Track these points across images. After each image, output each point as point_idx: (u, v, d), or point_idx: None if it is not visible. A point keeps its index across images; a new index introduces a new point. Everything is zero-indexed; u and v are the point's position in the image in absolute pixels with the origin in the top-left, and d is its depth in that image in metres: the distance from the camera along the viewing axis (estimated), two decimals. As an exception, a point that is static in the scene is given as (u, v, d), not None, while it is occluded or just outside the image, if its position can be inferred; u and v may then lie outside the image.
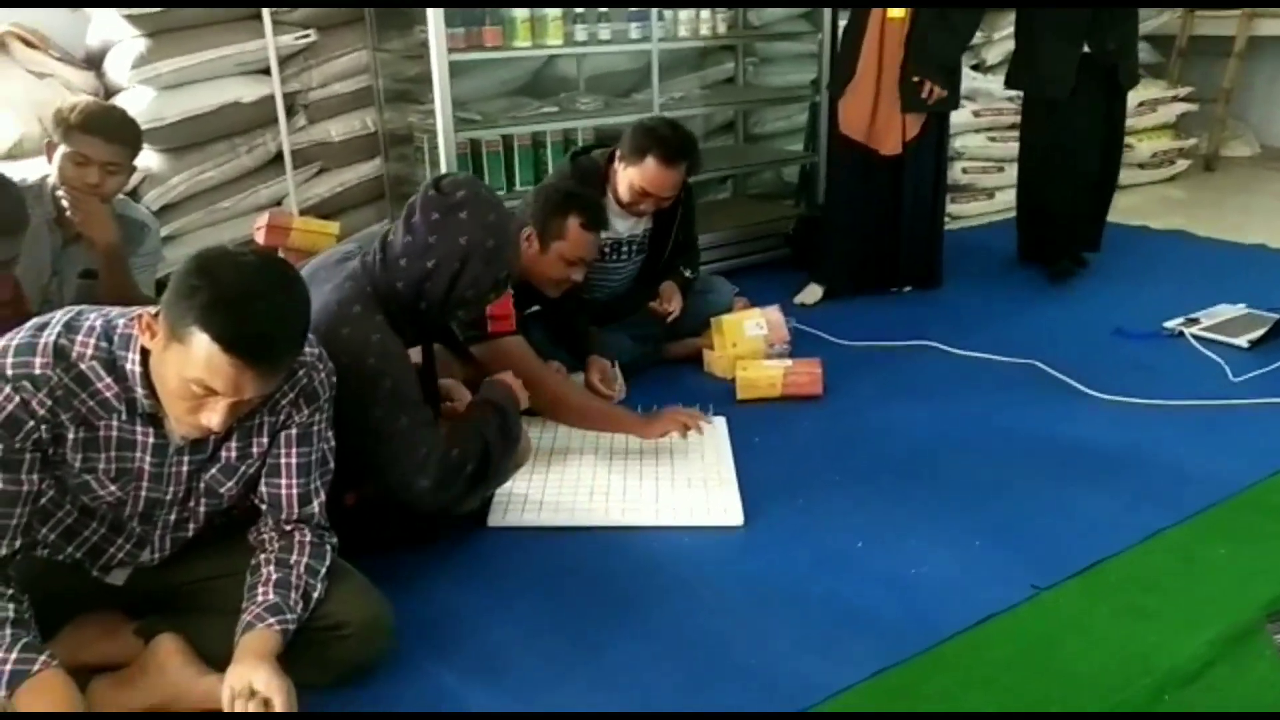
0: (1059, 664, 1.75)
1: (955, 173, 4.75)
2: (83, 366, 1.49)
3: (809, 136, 4.42)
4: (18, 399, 1.44)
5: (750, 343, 3.04)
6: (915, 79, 3.44)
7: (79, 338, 1.49)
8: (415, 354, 2.15)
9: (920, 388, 2.98)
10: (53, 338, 1.48)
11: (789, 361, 2.95)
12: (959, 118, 4.71)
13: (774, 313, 3.12)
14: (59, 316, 1.52)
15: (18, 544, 1.51)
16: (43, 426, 1.47)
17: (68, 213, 2.50)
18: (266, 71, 3.44)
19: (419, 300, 1.97)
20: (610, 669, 1.76)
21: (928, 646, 1.79)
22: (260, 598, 1.59)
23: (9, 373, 1.44)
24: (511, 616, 1.91)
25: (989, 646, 1.80)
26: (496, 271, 1.98)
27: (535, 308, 2.80)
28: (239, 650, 1.53)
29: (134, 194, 3.28)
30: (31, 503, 1.51)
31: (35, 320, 1.52)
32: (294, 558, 1.65)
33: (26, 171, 2.60)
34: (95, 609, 1.74)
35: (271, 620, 1.55)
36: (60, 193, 2.50)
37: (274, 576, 1.62)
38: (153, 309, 1.47)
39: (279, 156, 3.54)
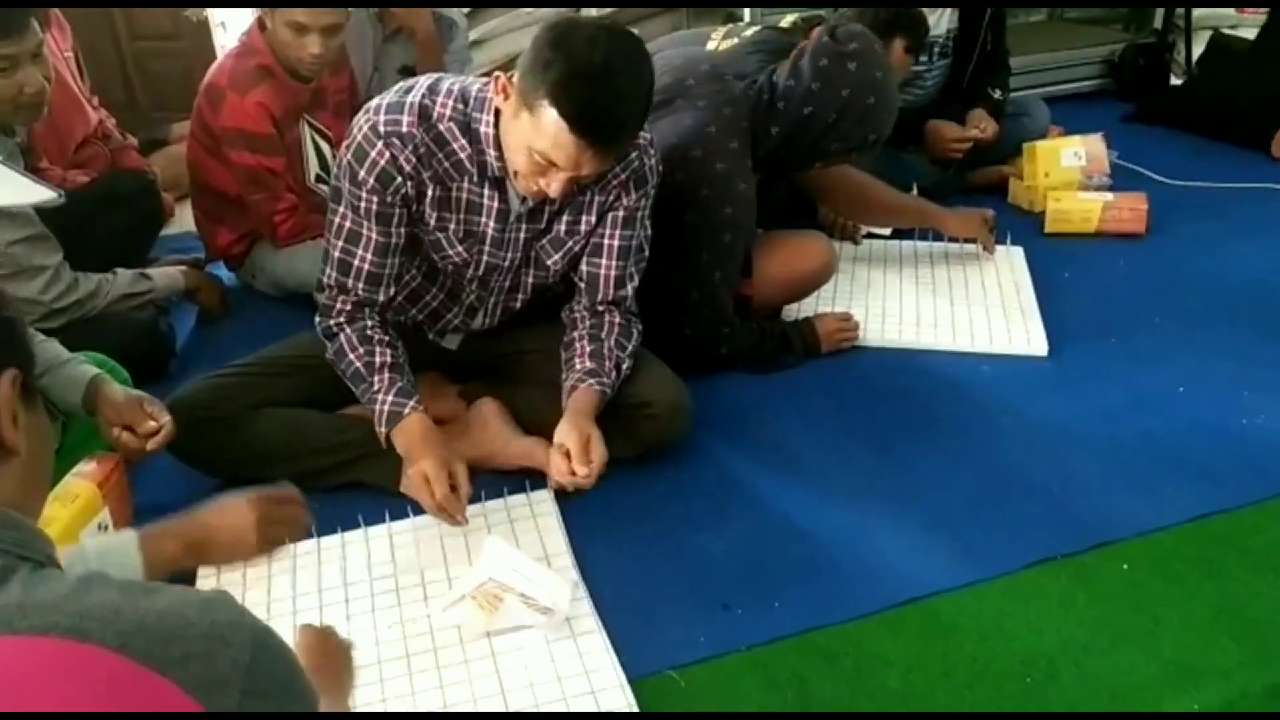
0: None
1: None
2: (441, 127, 1.57)
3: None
4: (388, 154, 1.55)
5: (1065, 173, 2.79)
6: None
7: (439, 99, 1.58)
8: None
9: (1260, 233, 2.65)
10: (418, 98, 1.57)
11: (1109, 195, 2.70)
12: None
13: (1095, 141, 2.84)
14: (423, 81, 1.61)
15: (392, 290, 1.69)
16: (409, 183, 1.58)
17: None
18: (576, -128, 3.41)
19: (786, 146, 1.95)
20: (906, 477, 1.75)
21: (1259, 499, 1.65)
22: (579, 365, 1.69)
23: (382, 129, 1.55)
24: (806, 419, 1.93)
25: (1337, 505, 1.64)
26: (868, 131, 1.92)
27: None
28: (568, 408, 1.63)
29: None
30: (398, 255, 1.65)
31: (401, 84, 1.62)
32: (604, 334, 1.73)
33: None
34: (425, 370, 1.91)
35: (590, 381, 1.65)
36: None
37: (588, 349, 1.70)
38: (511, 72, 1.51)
39: (583, -39, 3.54)
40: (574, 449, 1.55)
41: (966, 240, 2.51)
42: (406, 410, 1.60)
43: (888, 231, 2.63)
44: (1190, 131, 3.33)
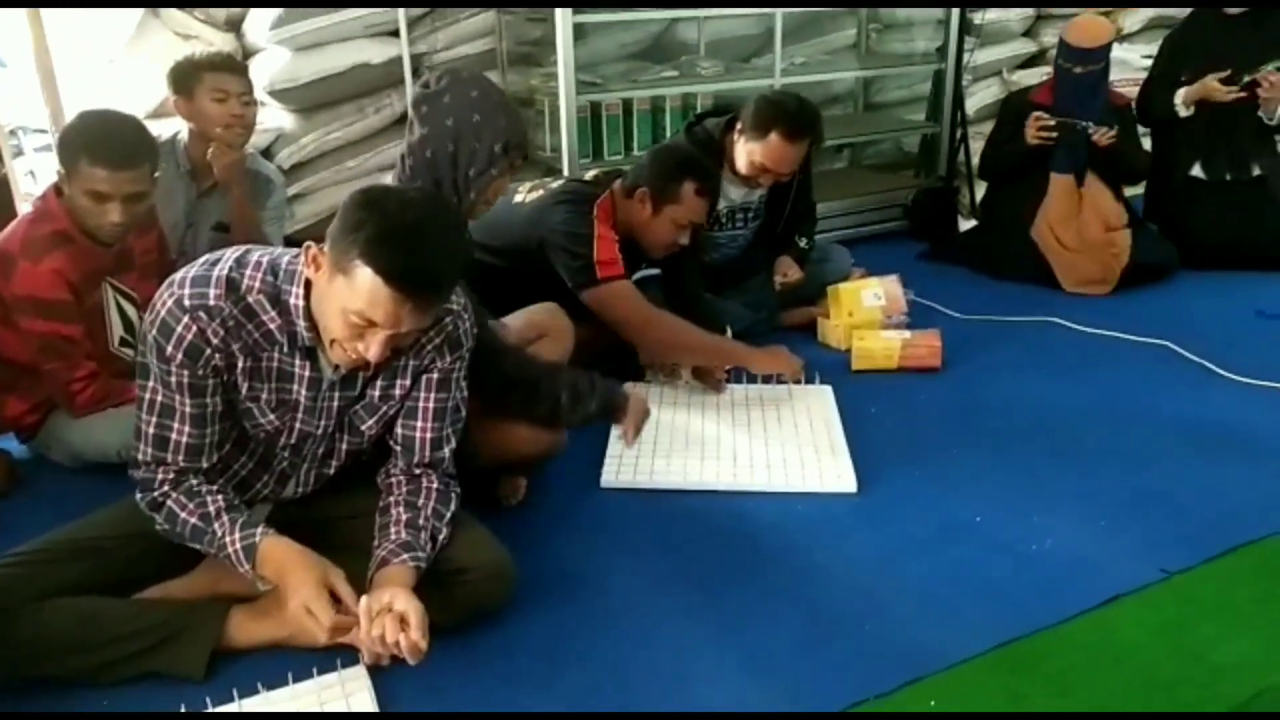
0: (1194, 648, 1.68)
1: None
2: (250, 299, 1.56)
3: (932, 106, 4.31)
4: (195, 328, 1.53)
5: (867, 313, 2.99)
6: None
7: (248, 271, 1.57)
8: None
9: (1043, 363, 2.89)
10: (225, 271, 1.56)
11: (907, 333, 2.89)
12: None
13: (892, 283, 3.07)
14: (229, 253, 1.60)
15: (215, 457, 1.65)
16: (217, 355, 1.56)
17: (210, 155, 2.62)
18: (395, 34, 3.52)
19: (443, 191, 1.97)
20: (729, 621, 1.77)
21: (1052, 623, 1.75)
22: (394, 536, 1.64)
23: (187, 303, 1.53)
24: (628, 568, 1.94)
25: (1118, 626, 1.74)
26: (491, 141, 1.94)
27: (655, 271, 2.80)
28: (377, 580, 1.58)
29: (266, 153, 3.40)
30: (217, 421, 1.62)
31: (208, 256, 1.60)
32: (421, 501, 1.70)
33: (162, 130, 2.72)
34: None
35: (405, 556, 1.61)
36: (211, 140, 2.62)
37: (404, 517, 1.67)
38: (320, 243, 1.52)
39: (404, 118, 3.59)
40: (415, 620, 1.50)
41: (779, 380, 2.63)
42: (258, 537, 1.57)
43: None
44: (974, 269, 3.66)
